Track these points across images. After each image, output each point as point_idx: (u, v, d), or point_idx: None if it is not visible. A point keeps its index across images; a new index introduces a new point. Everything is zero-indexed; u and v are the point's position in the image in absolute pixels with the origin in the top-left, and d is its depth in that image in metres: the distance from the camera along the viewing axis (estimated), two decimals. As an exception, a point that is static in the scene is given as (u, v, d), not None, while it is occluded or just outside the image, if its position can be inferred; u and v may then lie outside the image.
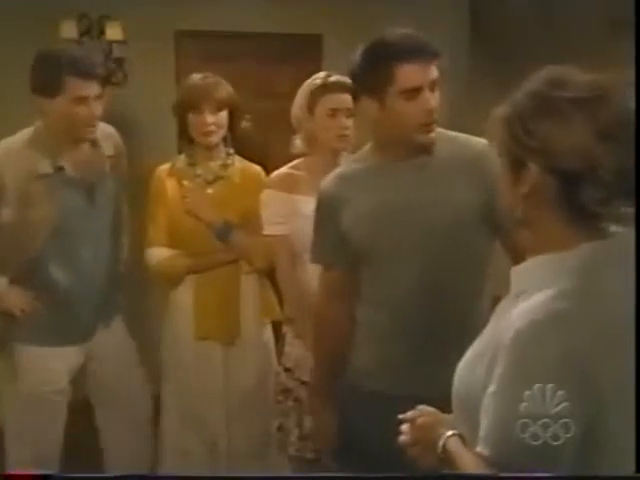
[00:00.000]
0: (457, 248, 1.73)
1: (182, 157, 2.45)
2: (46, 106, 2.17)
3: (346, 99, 2.15)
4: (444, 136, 1.80)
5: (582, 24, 3.61)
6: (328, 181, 1.86)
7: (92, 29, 3.80)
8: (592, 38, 3.43)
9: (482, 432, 0.98)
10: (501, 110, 1.09)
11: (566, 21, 3.74)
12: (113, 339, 2.44)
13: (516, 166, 1.06)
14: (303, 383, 2.22)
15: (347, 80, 2.15)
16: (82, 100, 2.15)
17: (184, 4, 3.77)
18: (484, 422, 0.98)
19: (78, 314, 2.32)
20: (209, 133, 2.32)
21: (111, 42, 3.75)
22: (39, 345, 2.28)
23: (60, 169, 2.22)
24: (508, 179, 1.08)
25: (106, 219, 2.35)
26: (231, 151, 2.45)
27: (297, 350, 2.25)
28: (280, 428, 2.28)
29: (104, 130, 2.37)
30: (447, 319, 1.73)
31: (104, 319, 2.41)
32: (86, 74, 2.15)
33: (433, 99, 1.67)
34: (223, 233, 2.34)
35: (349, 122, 2.17)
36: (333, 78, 2.21)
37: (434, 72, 1.66)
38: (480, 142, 1.75)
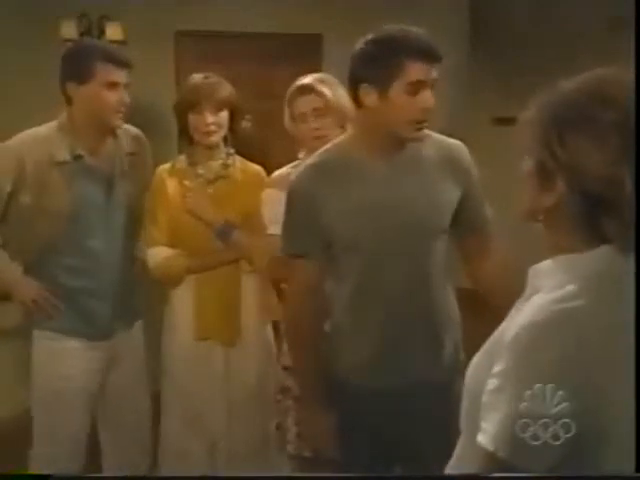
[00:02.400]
0: (437, 245, 1.80)
1: (183, 157, 2.45)
2: (76, 93, 2.22)
3: (312, 100, 2.17)
4: (429, 136, 1.84)
5: (582, 24, 3.61)
6: (301, 173, 1.86)
7: (92, 29, 3.81)
8: (592, 38, 3.43)
9: (487, 427, 0.98)
10: (537, 111, 1.05)
11: (566, 21, 3.74)
12: (130, 344, 2.44)
13: (543, 175, 1.03)
14: None
15: (312, 81, 2.18)
16: (113, 85, 2.21)
17: (184, 4, 3.77)
18: (490, 417, 0.98)
19: (93, 310, 2.31)
20: (210, 133, 2.32)
21: (111, 42, 3.75)
22: (55, 337, 2.28)
23: (79, 157, 2.24)
24: (534, 185, 1.05)
25: (123, 215, 2.35)
26: (232, 151, 2.45)
27: None
28: (279, 426, 2.29)
29: (128, 129, 2.42)
30: (426, 312, 1.80)
31: (124, 321, 2.41)
32: (117, 61, 2.24)
33: (432, 99, 1.71)
34: (224, 233, 2.34)
35: (319, 122, 2.17)
36: (300, 81, 2.22)
37: (435, 74, 1.70)
38: (455, 143, 1.86)
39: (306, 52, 3.89)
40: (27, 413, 2.40)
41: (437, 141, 1.85)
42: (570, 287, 0.98)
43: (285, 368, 2.28)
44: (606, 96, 0.99)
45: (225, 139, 2.41)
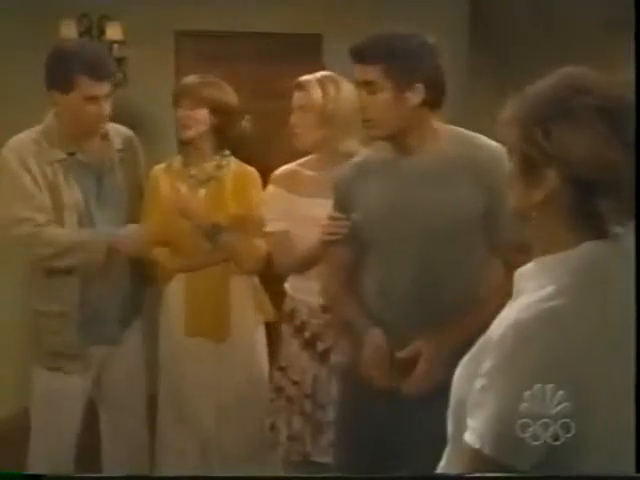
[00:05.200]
0: (456, 250, 1.76)
1: (179, 157, 2.49)
2: (59, 101, 2.22)
3: (300, 97, 2.20)
4: (457, 136, 1.83)
5: (582, 24, 3.61)
6: (343, 169, 1.94)
7: (92, 29, 3.80)
8: (592, 38, 3.42)
9: (475, 425, 0.98)
10: (515, 112, 1.06)
11: (566, 21, 3.73)
12: (128, 342, 2.45)
13: (531, 171, 1.04)
14: (295, 383, 2.23)
15: (308, 78, 2.20)
16: (93, 99, 2.20)
17: (184, 4, 3.77)
18: (477, 415, 0.99)
19: (100, 313, 2.32)
20: (183, 127, 2.38)
21: (111, 42, 3.74)
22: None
23: (72, 154, 2.27)
24: (521, 183, 1.06)
25: (114, 212, 2.35)
26: (226, 152, 2.48)
27: (293, 349, 2.26)
28: (272, 427, 2.29)
29: (117, 128, 2.43)
30: (434, 316, 1.74)
31: (125, 319, 2.42)
32: (98, 74, 2.20)
33: (363, 99, 1.76)
34: (212, 234, 2.36)
35: (297, 119, 2.20)
36: (300, 77, 2.24)
37: (371, 74, 1.72)
38: (494, 146, 1.76)
39: (306, 52, 3.88)
40: (26, 413, 2.41)
41: (471, 142, 1.80)
42: (554, 286, 0.99)
43: (280, 368, 2.29)
44: (580, 86, 1.01)
45: (221, 140, 2.44)
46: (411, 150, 1.79)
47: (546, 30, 3.81)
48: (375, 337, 1.77)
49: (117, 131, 2.42)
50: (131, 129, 2.52)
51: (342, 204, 1.91)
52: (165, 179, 2.43)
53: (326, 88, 2.16)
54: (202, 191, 2.41)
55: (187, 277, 2.42)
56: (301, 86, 2.19)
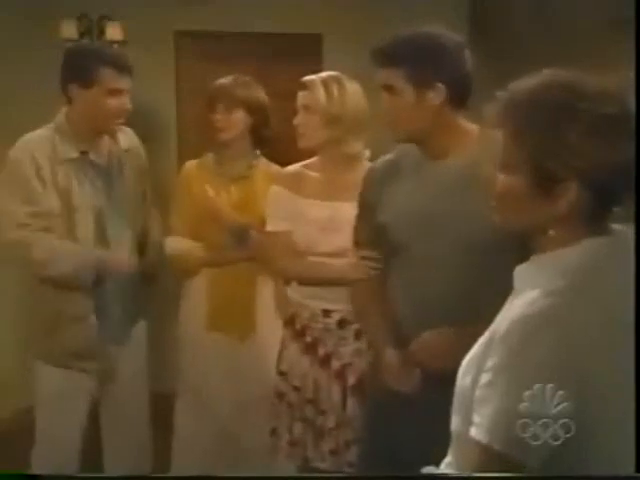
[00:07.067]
0: (485, 259, 1.64)
1: (211, 155, 2.52)
2: (78, 95, 2.22)
3: (303, 97, 2.17)
4: (491, 139, 1.71)
5: (582, 24, 3.61)
6: (375, 166, 1.90)
7: (92, 29, 3.80)
8: (592, 38, 3.43)
9: (481, 420, 0.99)
10: (518, 123, 1.04)
11: (566, 21, 3.73)
12: (133, 342, 2.45)
13: (548, 183, 1.01)
14: (295, 388, 2.21)
15: (313, 78, 2.17)
16: (116, 92, 2.22)
17: (184, 4, 3.77)
18: (483, 411, 0.99)
19: (108, 313, 2.33)
20: (219, 130, 2.40)
21: (111, 42, 3.74)
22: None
23: (84, 153, 2.27)
24: (536, 196, 1.03)
25: (125, 213, 2.35)
26: (258, 153, 2.50)
27: (293, 354, 2.23)
28: (273, 432, 2.26)
29: (123, 129, 2.45)
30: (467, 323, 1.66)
31: (131, 318, 2.43)
32: (122, 68, 2.24)
33: (385, 101, 1.73)
34: (238, 235, 2.37)
35: (300, 119, 2.17)
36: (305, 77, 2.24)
37: (392, 79, 1.68)
38: None
39: (306, 52, 3.88)
40: (29, 413, 2.41)
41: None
42: (557, 283, 1.00)
43: (281, 373, 2.26)
44: (578, 91, 1.00)
45: (255, 140, 2.45)
46: (439, 154, 1.72)
47: (546, 30, 3.81)
48: (390, 358, 1.76)
49: (123, 131, 2.43)
50: (131, 129, 2.51)
51: (369, 200, 1.84)
52: (197, 176, 2.49)
53: (330, 89, 2.13)
54: (233, 189, 2.44)
55: (212, 272, 2.45)
56: (305, 86, 2.17)
